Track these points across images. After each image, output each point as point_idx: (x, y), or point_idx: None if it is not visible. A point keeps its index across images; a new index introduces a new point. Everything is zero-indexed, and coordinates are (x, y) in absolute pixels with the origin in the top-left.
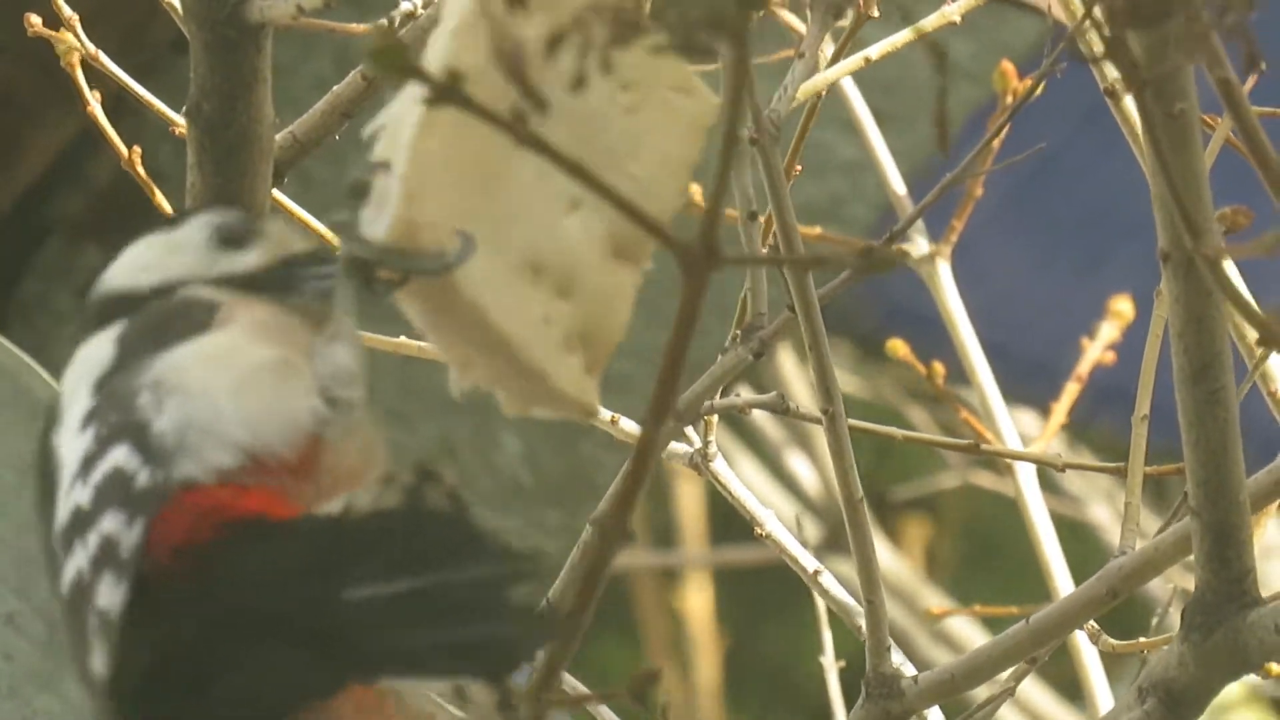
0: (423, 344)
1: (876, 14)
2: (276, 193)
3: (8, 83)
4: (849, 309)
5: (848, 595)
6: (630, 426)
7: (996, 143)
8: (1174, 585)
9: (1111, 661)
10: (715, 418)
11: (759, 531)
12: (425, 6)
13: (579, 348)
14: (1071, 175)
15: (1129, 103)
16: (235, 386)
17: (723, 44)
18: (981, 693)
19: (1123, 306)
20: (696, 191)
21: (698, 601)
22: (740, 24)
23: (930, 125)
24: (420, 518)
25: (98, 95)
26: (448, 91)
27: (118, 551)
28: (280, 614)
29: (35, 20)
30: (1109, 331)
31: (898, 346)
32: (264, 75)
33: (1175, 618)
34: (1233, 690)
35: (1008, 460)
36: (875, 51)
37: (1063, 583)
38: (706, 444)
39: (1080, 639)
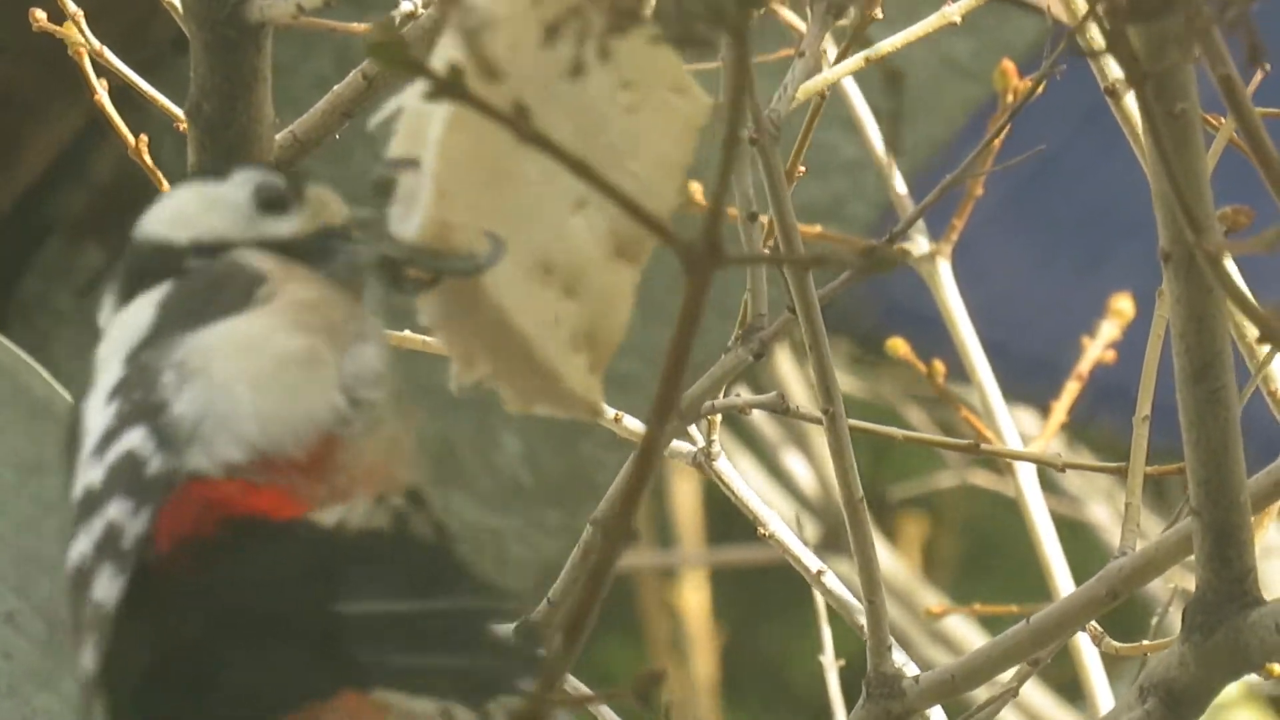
0: (426, 339)
1: (880, 15)
2: None
3: (8, 81)
4: (848, 308)
5: (851, 595)
6: (634, 425)
7: (997, 142)
8: (1174, 585)
9: (1111, 662)
10: (719, 417)
11: (762, 531)
12: (426, 6)
13: (584, 347)
14: (1072, 174)
15: (1129, 102)
16: (258, 378)
17: (723, 41)
18: (981, 694)
19: (1123, 305)
20: (697, 190)
21: (695, 600)
22: (741, 21)
23: (932, 122)
24: (404, 544)
25: (104, 83)
26: (448, 86)
27: (120, 542)
28: (276, 616)
29: (40, 15)
30: (1109, 330)
31: (898, 345)
32: (264, 75)
33: (1175, 618)
34: (1231, 689)
35: (1008, 460)
36: (875, 51)
37: (1063, 583)
38: (710, 443)
39: (1081, 640)
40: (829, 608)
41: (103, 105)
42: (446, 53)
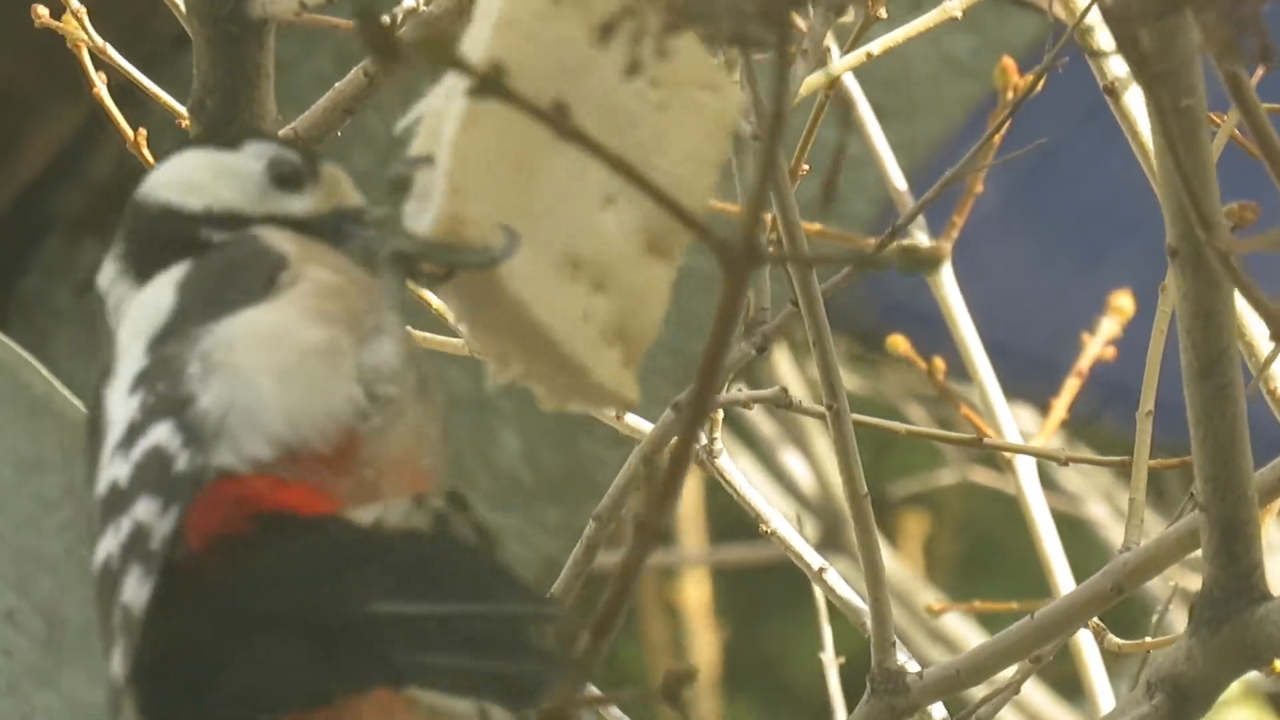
0: (427, 335)
1: (884, 15)
2: None
3: (8, 79)
4: (848, 305)
5: (852, 592)
6: (636, 422)
7: (997, 138)
8: (1174, 583)
9: (1110, 659)
10: (721, 414)
11: (764, 529)
12: (427, 3)
13: (616, 342)
14: (1072, 172)
15: (1128, 100)
16: (282, 372)
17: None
18: (979, 692)
19: (1123, 302)
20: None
21: (696, 597)
22: (783, 21)
23: (932, 119)
24: (444, 544)
25: (103, 77)
26: (490, 84)
27: (148, 543)
28: (310, 612)
29: (43, 11)
30: (1109, 327)
31: (898, 343)
32: (267, 71)
33: (1175, 616)
34: (1230, 686)
35: (1008, 456)
36: (877, 47)
37: (1063, 580)
38: (712, 440)
39: (1081, 637)
40: (829, 605)
41: (102, 99)
42: (476, 42)
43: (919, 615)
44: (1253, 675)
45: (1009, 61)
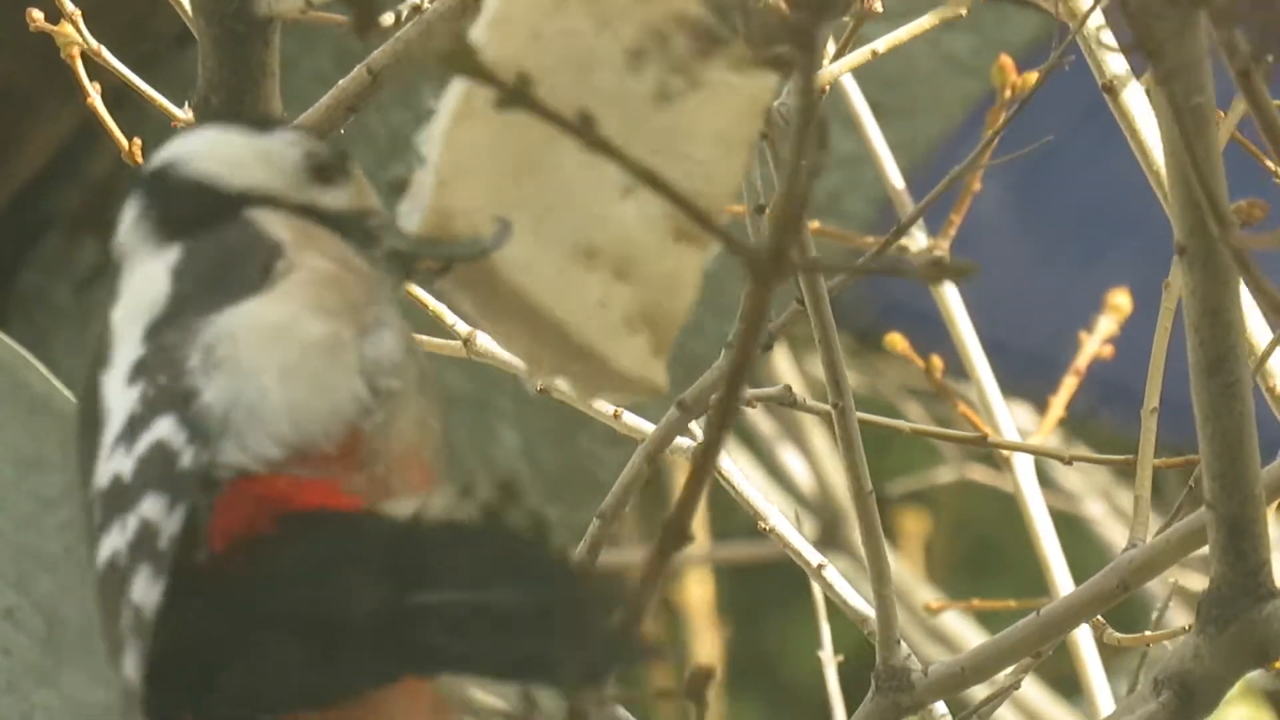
0: (420, 335)
1: (880, 8)
2: None
3: (6, 78)
4: (847, 304)
5: (852, 590)
6: (634, 421)
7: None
8: (1173, 581)
9: (1108, 657)
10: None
11: (763, 526)
12: (430, 1)
13: (642, 329)
14: (1070, 171)
15: (1127, 98)
16: (285, 369)
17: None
18: (979, 691)
19: (1120, 300)
20: None
21: (698, 595)
22: (813, 34)
23: (931, 118)
24: (502, 536)
25: (97, 87)
26: (516, 94)
27: (156, 541)
28: (338, 606)
29: (38, 15)
30: (1106, 325)
31: (896, 341)
32: (272, 69)
33: (1174, 614)
34: None
35: (1007, 455)
36: (882, 45)
37: (1061, 578)
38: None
39: (1079, 634)
40: (828, 603)
41: (95, 108)
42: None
43: (917, 613)
44: (1251, 673)
45: (1007, 60)
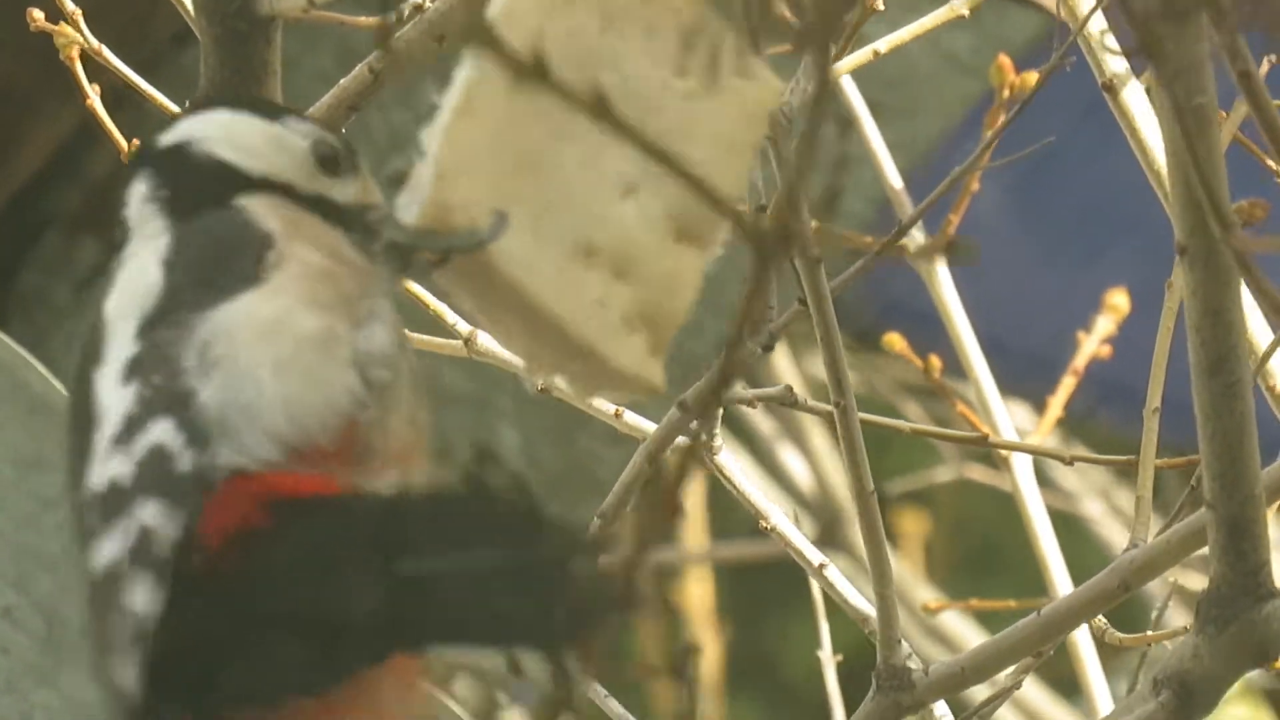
0: (421, 335)
1: (881, 6)
2: None
3: (6, 77)
4: (846, 304)
5: (852, 589)
6: (634, 420)
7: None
8: (1173, 580)
9: (1106, 657)
10: (720, 411)
11: (764, 525)
12: (431, 0)
13: (640, 328)
14: (1069, 170)
15: (1126, 97)
16: (280, 366)
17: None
18: (979, 692)
19: (1119, 300)
20: None
21: (697, 593)
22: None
23: (931, 118)
24: (484, 499)
25: (97, 89)
26: (534, 68)
27: (156, 548)
28: (333, 590)
29: (38, 15)
30: (1104, 325)
31: (894, 340)
32: (274, 68)
33: (1173, 615)
34: None
35: (1006, 454)
36: (884, 45)
37: (1060, 578)
38: (712, 436)
39: (1079, 635)
40: (827, 603)
41: (95, 110)
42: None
43: (915, 613)
44: (1251, 673)
45: (1005, 60)
